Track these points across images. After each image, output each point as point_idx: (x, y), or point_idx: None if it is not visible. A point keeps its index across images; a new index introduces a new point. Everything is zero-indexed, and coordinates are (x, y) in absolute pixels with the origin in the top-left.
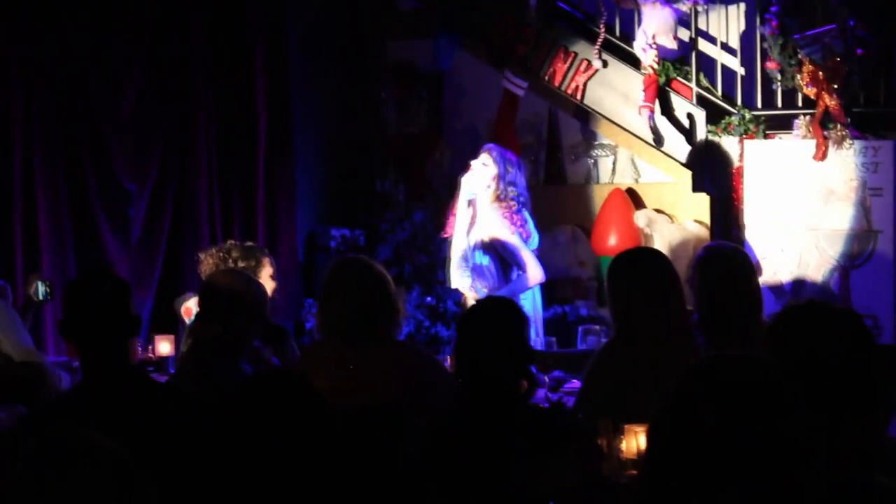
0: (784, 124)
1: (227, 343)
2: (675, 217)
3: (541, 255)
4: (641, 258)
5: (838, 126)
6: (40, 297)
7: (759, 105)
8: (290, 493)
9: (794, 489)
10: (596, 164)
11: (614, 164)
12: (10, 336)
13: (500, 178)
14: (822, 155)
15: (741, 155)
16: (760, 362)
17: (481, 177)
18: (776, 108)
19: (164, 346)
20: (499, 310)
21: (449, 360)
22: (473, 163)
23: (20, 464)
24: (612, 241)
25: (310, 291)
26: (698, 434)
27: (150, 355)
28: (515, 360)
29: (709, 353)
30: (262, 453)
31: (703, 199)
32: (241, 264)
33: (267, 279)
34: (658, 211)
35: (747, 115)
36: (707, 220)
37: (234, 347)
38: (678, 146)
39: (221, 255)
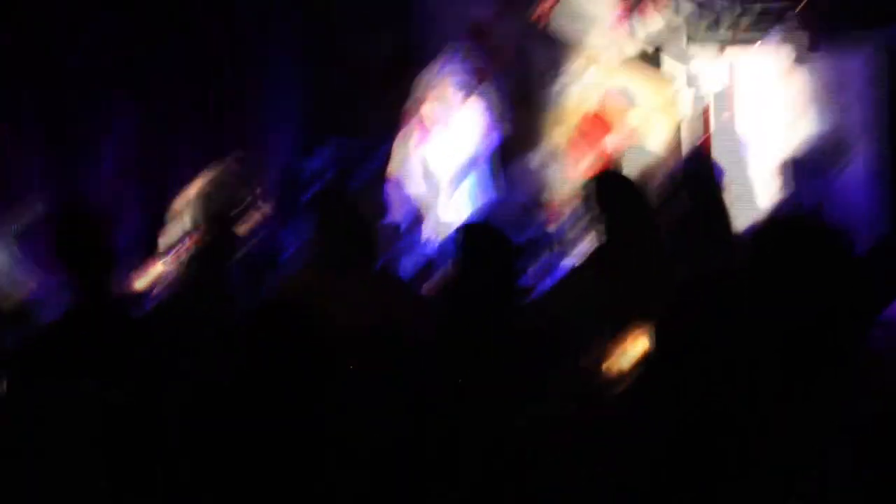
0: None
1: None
2: (648, 140)
3: (513, 180)
4: (615, 182)
5: (818, 32)
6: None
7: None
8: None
9: (777, 406)
10: (566, 88)
11: (585, 88)
12: None
13: None
14: (800, 63)
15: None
16: (744, 278)
17: None
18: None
19: (143, 280)
20: (485, 232)
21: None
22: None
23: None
24: (585, 166)
25: (284, 223)
26: (689, 348)
27: (131, 286)
28: (502, 284)
29: (693, 271)
30: (278, 378)
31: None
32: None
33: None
34: (630, 134)
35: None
36: (680, 137)
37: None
38: (654, 62)
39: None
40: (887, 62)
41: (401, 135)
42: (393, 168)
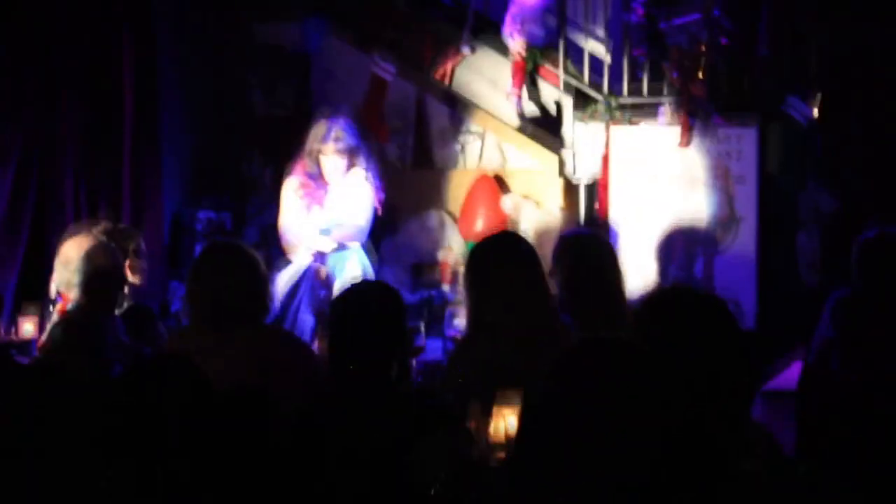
0: (650, 112)
1: (97, 318)
2: (542, 203)
3: (409, 240)
4: (502, 246)
5: (703, 113)
6: None
7: (626, 92)
8: (174, 474)
9: (661, 471)
10: (464, 149)
11: (482, 149)
12: None
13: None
14: (686, 142)
15: (607, 141)
16: (633, 346)
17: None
18: (642, 96)
19: (27, 327)
20: (374, 293)
21: (316, 343)
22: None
23: None
24: (479, 226)
25: (175, 274)
26: (570, 415)
27: (14, 337)
28: (388, 344)
29: (580, 336)
30: (150, 433)
31: (570, 185)
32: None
33: (139, 260)
34: (525, 196)
35: (613, 102)
36: (573, 206)
37: (104, 322)
38: (546, 132)
39: (98, 233)
40: (777, 136)
41: (287, 188)
42: (282, 222)
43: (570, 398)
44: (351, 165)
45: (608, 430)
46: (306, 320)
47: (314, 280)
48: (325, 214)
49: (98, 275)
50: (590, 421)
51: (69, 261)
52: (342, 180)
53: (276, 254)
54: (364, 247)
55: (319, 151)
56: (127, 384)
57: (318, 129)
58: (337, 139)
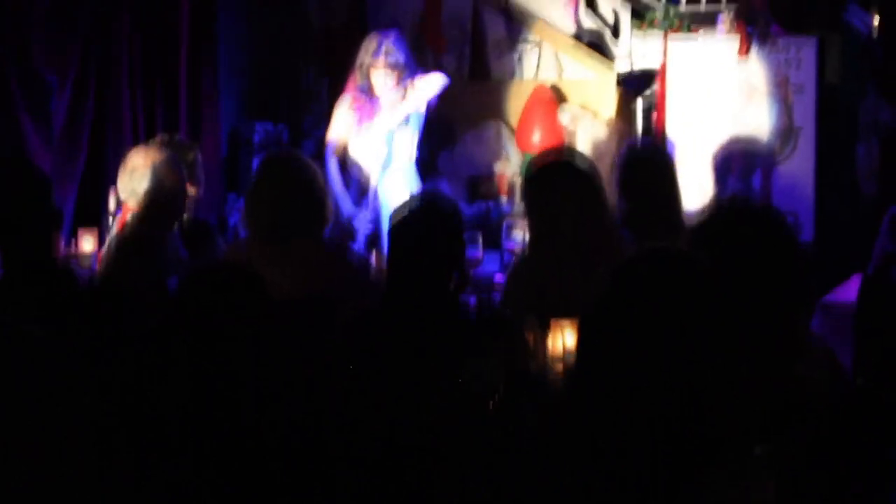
0: (708, 21)
1: (155, 233)
2: (599, 114)
3: (465, 152)
4: (559, 170)
5: (761, 22)
6: None
7: (684, 1)
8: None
9: (720, 383)
10: (520, 59)
11: (539, 60)
12: None
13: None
14: (744, 51)
15: (665, 52)
16: (690, 256)
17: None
18: (700, 5)
19: (87, 242)
20: (432, 205)
21: (373, 255)
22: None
23: None
24: (536, 138)
25: (232, 186)
26: (632, 326)
27: (73, 250)
28: (447, 256)
29: (639, 247)
30: (213, 342)
31: (627, 97)
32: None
33: (196, 172)
34: (582, 108)
35: (671, 12)
36: (631, 117)
37: (162, 238)
38: (603, 43)
39: (161, 145)
40: (837, 45)
41: (340, 103)
42: (333, 136)
43: (628, 307)
44: (399, 81)
45: (667, 340)
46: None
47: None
48: (375, 129)
49: (162, 190)
50: (648, 330)
51: (136, 168)
52: (391, 95)
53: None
54: (417, 163)
55: (370, 66)
56: (187, 293)
57: (370, 43)
58: (387, 53)
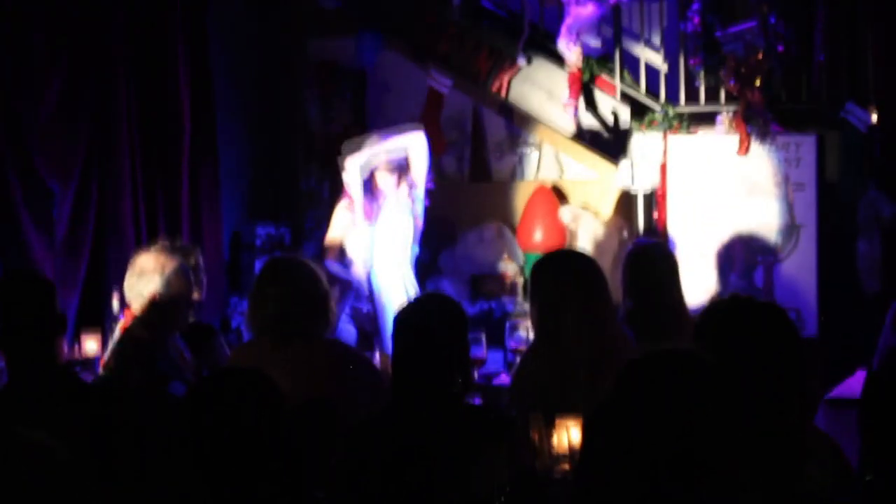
0: (707, 120)
1: (159, 336)
2: (600, 213)
3: (467, 252)
4: (565, 263)
5: (761, 121)
6: None
7: (683, 101)
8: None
9: (730, 483)
10: (521, 160)
11: (539, 160)
12: None
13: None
14: (744, 150)
15: (665, 151)
16: (698, 356)
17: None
18: (699, 105)
19: (90, 345)
20: (436, 306)
21: (377, 356)
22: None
23: None
24: (538, 237)
25: (235, 289)
26: (639, 426)
27: (77, 354)
28: (451, 357)
29: (646, 348)
30: (223, 448)
31: (628, 195)
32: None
33: (198, 276)
34: (583, 207)
35: (671, 112)
36: (632, 216)
37: (166, 341)
38: (603, 142)
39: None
40: (836, 142)
41: (341, 205)
42: (332, 238)
43: (635, 410)
44: (401, 181)
45: (673, 442)
46: (349, 331)
47: (357, 293)
48: (376, 229)
49: (170, 295)
50: (655, 432)
51: (144, 272)
52: (394, 195)
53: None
54: (415, 263)
55: (373, 165)
56: (200, 400)
57: (372, 143)
58: (388, 152)
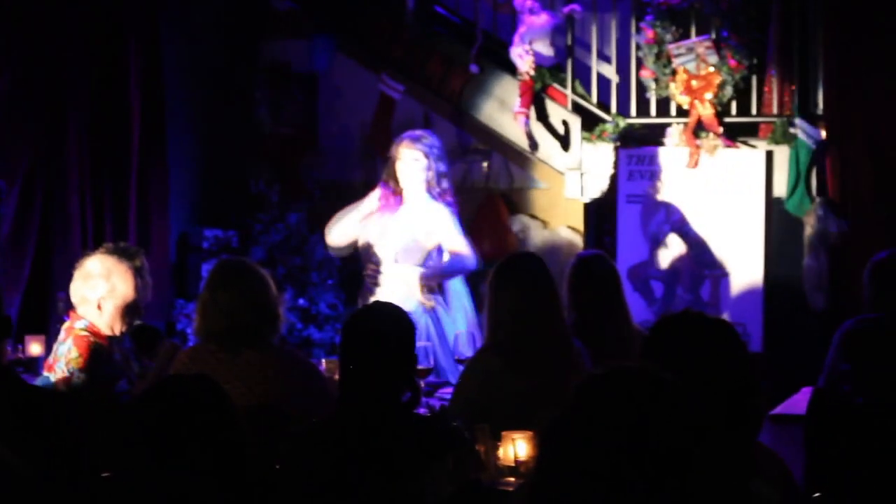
0: (658, 132)
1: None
2: (549, 223)
3: None
4: (518, 265)
5: (711, 135)
6: None
7: (634, 113)
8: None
9: (681, 499)
10: (470, 168)
11: (489, 168)
12: None
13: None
14: (694, 163)
15: (615, 162)
16: (656, 374)
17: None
18: (650, 117)
19: (34, 347)
20: (383, 315)
21: (323, 363)
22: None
23: None
24: (486, 247)
25: (181, 292)
26: (592, 444)
27: (21, 356)
28: (398, 367)
29: (602, 364)
30: (172, 454)
31: (577, 206)
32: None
33: (143, 279)
34: (532, 216)
35: (621, 123)
36: (580, 227)
37: (114, 343)
38: (553, 152)
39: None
40: (785, 157)
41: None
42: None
43: (591, 426)
44: (426, 180)
45: (628, 460)
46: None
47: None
48: (401, 231)
49: (117, 300)
50: (611, 449)
51: (90, 276)
52: (417, 193)
53: (282, 272)
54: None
55: (395, 158)
56: (148, 405)
57: (399, 142)
58: (413, 140)
